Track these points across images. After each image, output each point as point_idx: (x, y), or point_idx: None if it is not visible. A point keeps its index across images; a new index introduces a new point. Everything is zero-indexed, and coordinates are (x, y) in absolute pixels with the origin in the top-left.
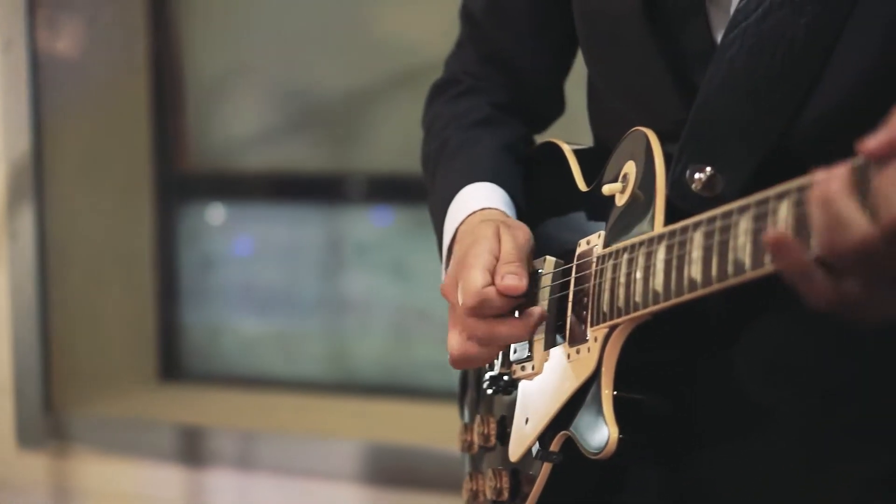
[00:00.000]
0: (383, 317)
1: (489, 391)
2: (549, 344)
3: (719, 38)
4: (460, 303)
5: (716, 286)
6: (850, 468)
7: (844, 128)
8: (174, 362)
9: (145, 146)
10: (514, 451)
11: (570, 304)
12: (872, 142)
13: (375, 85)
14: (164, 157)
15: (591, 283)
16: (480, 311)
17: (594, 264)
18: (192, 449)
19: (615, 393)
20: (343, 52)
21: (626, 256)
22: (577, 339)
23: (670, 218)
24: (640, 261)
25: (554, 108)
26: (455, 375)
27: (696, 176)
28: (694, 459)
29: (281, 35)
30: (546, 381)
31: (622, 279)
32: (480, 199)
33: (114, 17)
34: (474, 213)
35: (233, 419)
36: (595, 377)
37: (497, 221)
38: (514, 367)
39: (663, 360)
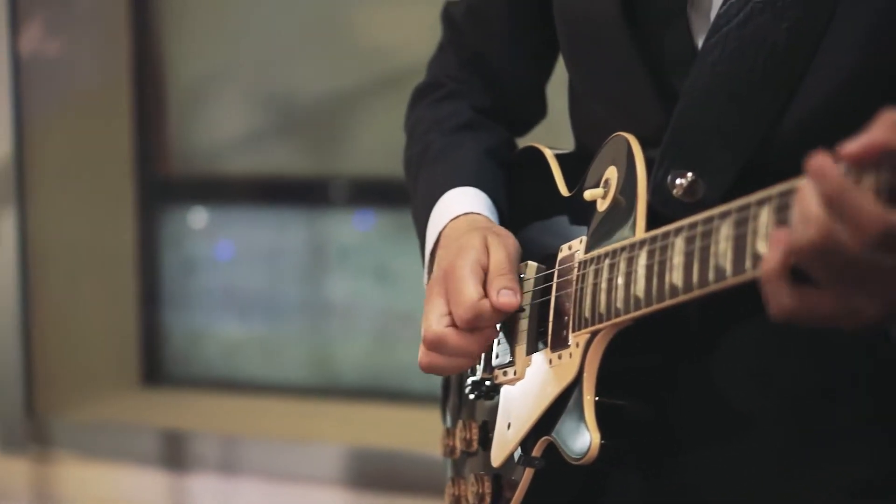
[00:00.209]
0: (366, 320)
1: (471, 396)
2: (531, 349)
3: (700, 43)
4: (449, 313)
5: (697, 292)
6: (830, 473)
7: (826, 132)
8: (156, 366)
9: (128, 150)
10: (497, 457)
11: (551, 310)
12: (853, 146)
13: (358, 88)
14: (147, 161)
15: (573, 288)
16: (474, 324)
17: (576, 270)
18: (174, 453)
19: (597, 398)
20: (325, 56)
21: (607, 262)
22: (558, 345)
23: (651, 223)
24: (622, 266)
25: (535, 111)
26: (438, 379)
27: (678, 181)
28: (676, 464)
29: (263, 39)
30: (528, 387)
31: (604, 285)
32: (464, 203)
33: (96, 21)
34: (458, 217)
35: (215, 423)
36: (577, 382)
37: (484, 230)
38: (496, 372)
39: (645, 366)
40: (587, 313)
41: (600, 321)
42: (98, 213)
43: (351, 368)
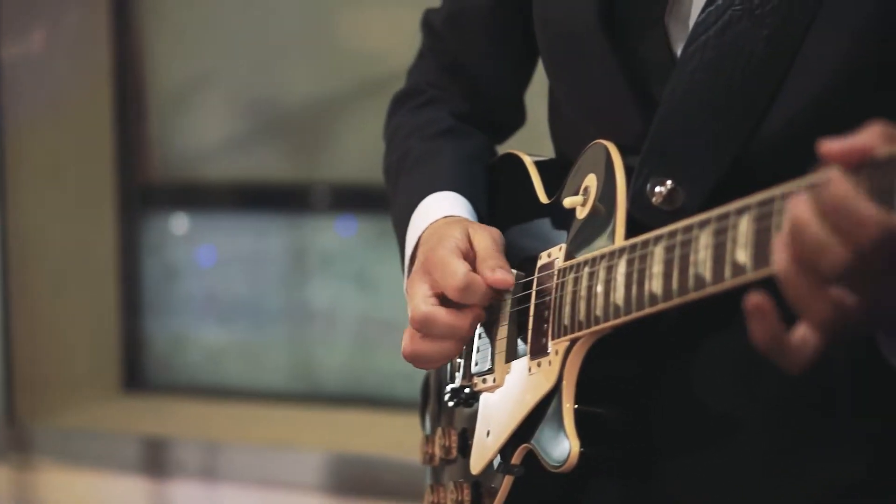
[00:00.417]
0: (347, 327)
1: (450, 403)
2: (511, 356)
3: (679, 51)
4: (438, 290)
5: (677, 300)
6: (812, 477)
7: (805, 141)
8: (138, 373)
9: (108, 155)
10: (476, 464)
11: (531, 317)
12: (836, 145)
13: (340, 94)
14: (128, 167)
15: (552, 296)
16: (465, 295)
17: (555, 277)
18: (156, 460)
19: (576, 406)
20: (307, 62)
21: (586, 270)
22: (538, 352)
23: (631, 231)
24: (601, 274)
25: (514, 118)
26: (419, 385)
27: (657, 189)
28: (657, 471)
29: (245, 44)
30: (507, 394)
31: (583, 292)
32: (444, 207)
33: (77, 25)
34: (437, 220)
35: (197, 430)
36: (556, 390)
37: (464, 221)
38: (475, 379)
39: (624, 373)
40: (566, 321)
41: (580, 329)
42: (79, 219)
43: (332, 374)
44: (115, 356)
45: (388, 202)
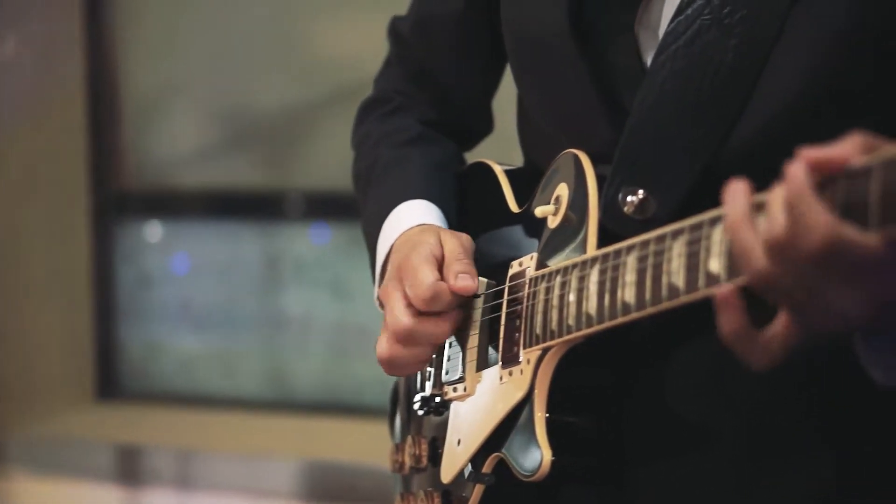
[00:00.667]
0: (322, 334)
1: (420, 412)
2: (482, 365)
3: (649, 60)
4: (409, 301)
5: (650, 309)
6: (785, 486)
7: (775, 149)
8: (111, 381)
9: (82, 163)
10: (446, 473)
11: (502, 326)
12: (814, 152)
13: (314, 102)
14: (101, 175)
15: (524, 304)
16: (432, 305)
17: (527, 286)
18: (129, 468)
19: (548, 415)
20: (280, 69)
21: (558, 279)
22: (509, 361)
23: (602, 241)
24: (573, 283)
25: (482, 126)
26: None
27: (629, 199)
28: (629, 480)
29: (218, 52)
30: (478, 403)
31: (555, 302)
32: (416, 215)
33: (49, 32)
34: (411, 228)
35: (171, 438)
36: (528, 399)
37: (437, 229)
38: (446, 388)
39: (597, 382)
40: (538, 330)
41: (552, 338)
42: (52, 227)
43: (307, 382)
44: (88, 364)
45: (359, 210)
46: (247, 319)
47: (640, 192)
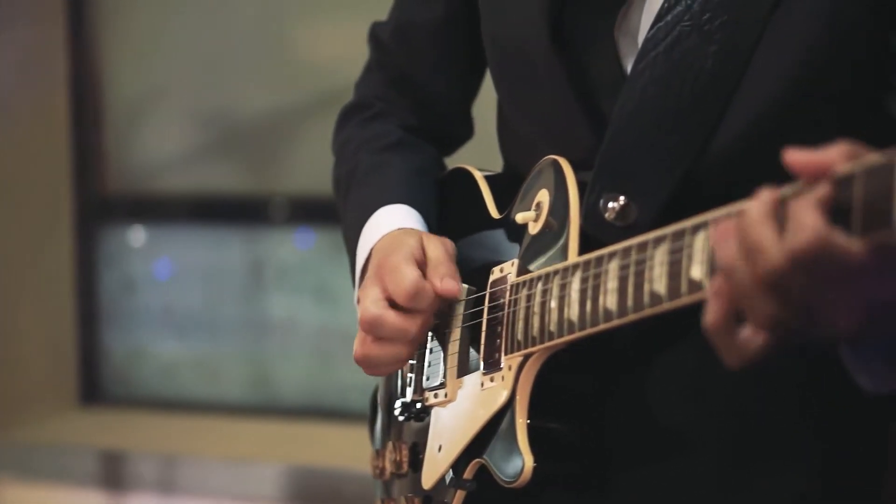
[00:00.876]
0: (306, 339)
1: (401, 418)
2: (463, 371)
3: (629, 66)
4: (388, 294)
5: (632, 316)
6: (767, 489)
7: (756, 155)
8: (94, 386)
9: (65, 167)
10: (428, 479)
11: (483, 332)
12: (799, 155)
13: (297, 106)
14: (84, 179)
15: (505, 311)
16: (414, 301)
17: (508, 293)
18: (113, 474)
19: (529, 422)
20: (264, 74)
21: (540, 286)
22: (490, 367)
23: (583, 247)
24: (555, 290)
25: (462, 131)
26: None
27: (610, 205)
28: (612, 485)
29: (202, 56)
30: (459, 409)
31: (536, 308)
32: (395, 220)
33: (33, 37)
34: (390, 232)
35: (154, 443)
36: (509, 405)
37: (419, 231)
38: (427, 394)
39: (578, 388)
40: (520, 336)
41: (533, 344)
42: (35, 231)
43: (290, 387)
44: (71, 369)
45: (339, 215)
46: (231, 324)
47: (621, 198)
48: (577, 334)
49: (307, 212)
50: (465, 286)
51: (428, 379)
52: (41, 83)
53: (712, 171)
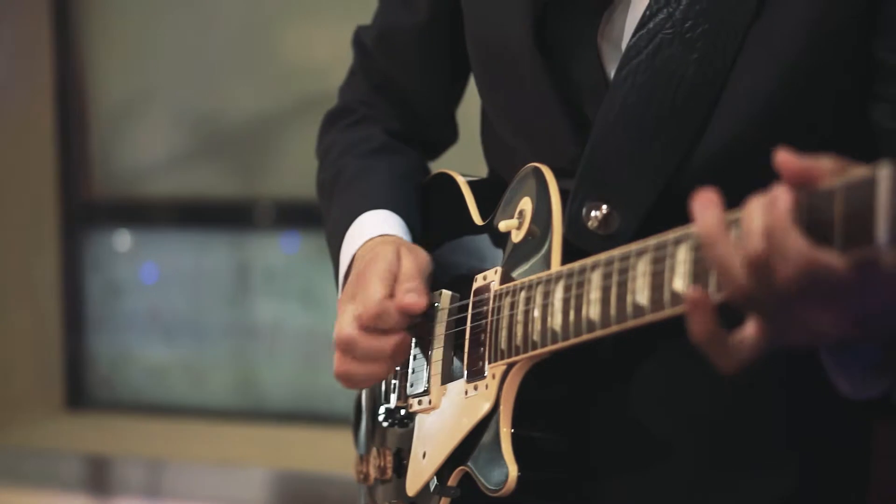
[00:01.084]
0: (292, 343)
1: (385, 424)
2: (446, 378)
3: (612, 73)
4: (358, 314)
5: (615, 327)
6: (747, 494)
7: (737, 164)
8: (80, 391)
9: (50, 172)
10: (412, 486)
11: (467, 340)
12: (790, 158)
13: (283, 110)
14: (70, 183)
15: (489, 319)
16: (378, 322)
17: (491, 301)
18: (99, 478)
19: (513, 430)
20: (250, 78)
21: (523, 294)
22: (474, 375)
23: (566, 255)
24: (538, 299)
25: (446, 135)
26: None
27: (593, 214)
28: (596, 493)
29: (187, 60)
30: (443, 416)
31: (520, 317)
32: (377, 226)
33: (17, 41)
34: (373, 238)
35: (140, 448)
36: (493, 413)
37: (397, 243)
38: (411, 400)
39: (562, 397)
40: (503, 345)
41: (517, 353)
42: (21, 236)
43: (277, 391)
44: (57, 374)
45: (322, 219)
46: (217, 328)
47: (604, 207)
48: (561, 344)
49: (293, 216)
50: (449, 293)
51: (412, 385)
52: (26, 86)
53: (695, 180)
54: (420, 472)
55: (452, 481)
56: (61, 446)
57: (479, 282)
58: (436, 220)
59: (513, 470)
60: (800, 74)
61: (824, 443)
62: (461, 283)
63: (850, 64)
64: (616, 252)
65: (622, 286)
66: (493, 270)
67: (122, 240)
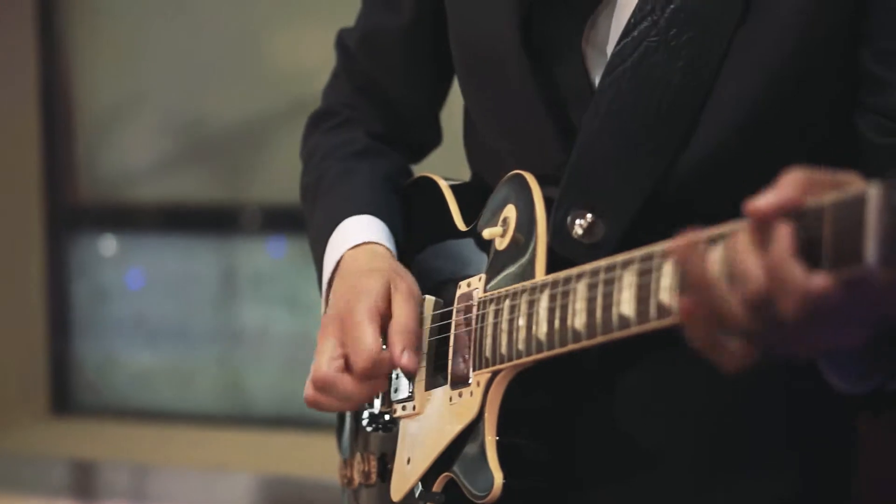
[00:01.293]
0: (278, 348)
1: (369, 429)
2: (431, 384)
3: (597, 79)
4: (346, 360)
5: (600, 338)
6: (742, 498)
7: (723, 172)
8: (66, 396)
9: (36, 176)
10: (396, 491)
11: (451, 347)
12: (762, 203)
13: (269, 115)
14: (56, 188)
15: (473, 326)
16: (371, 372)
17: (475, 308)
18: (84, 483)
19: (498, 438)
20: (236, 82)
21: (507, 303)
22: (458, 382)
23: (551, 264)
24: (523, 308)
25: (430, 137)
26: None
27: (577, 222)
28: (582, 501)
29: (174, 65)
30: (428, 422)
31: (504, 325)
32: (361, 232)
33: (2, 45)
34: (357, 246)
35: (126, 453)
36: (478, 421)
37: (386, 272)
38: (395, 406)
39: (547, 405)
40: (488, 353)
41: (501, 362)
42: (6, 241)
43: (263, 396)
44: (43, 379)
45: (306, 223)
46: (203, 333)
47: (589, 215)
48: (546, 353)
49: (279, 221)
50: (433, 299)
51: (396, 391)
52: (11, 91)
53: (680, 188)
54: (405, 478)
55: (437, 487)
56: (47, 451)
57: (462, 288)
58: (418, 225)
59: (498, 478)
60: (786, 81)
61: (817, 443)
62: (445, 290)
63: (841, 71)
64: (602, 262)
65: (608, 297)
66: (476, 277)
67: (108, 245)
